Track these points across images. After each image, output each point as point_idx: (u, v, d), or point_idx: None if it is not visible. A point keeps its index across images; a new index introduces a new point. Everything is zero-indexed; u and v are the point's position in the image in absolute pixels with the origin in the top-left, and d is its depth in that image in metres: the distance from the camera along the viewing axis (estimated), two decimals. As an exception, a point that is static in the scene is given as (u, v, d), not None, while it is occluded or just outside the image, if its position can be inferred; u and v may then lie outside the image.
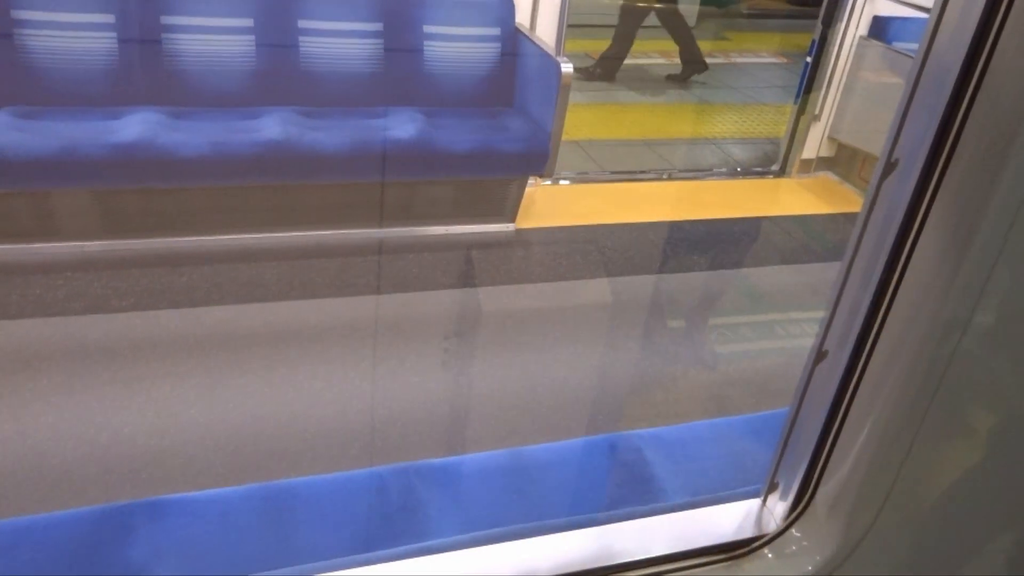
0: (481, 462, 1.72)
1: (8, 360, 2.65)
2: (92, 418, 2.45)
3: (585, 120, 5.24)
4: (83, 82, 3.31)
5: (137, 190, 3.21)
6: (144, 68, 3.37)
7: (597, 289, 3.49)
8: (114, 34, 3.30)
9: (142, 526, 1.53)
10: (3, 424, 2.39)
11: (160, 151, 3.08)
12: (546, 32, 3.86)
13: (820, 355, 0.96)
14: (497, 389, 2.78)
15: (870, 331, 0.90)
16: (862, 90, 4.42)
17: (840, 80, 4.47)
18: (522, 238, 3.71)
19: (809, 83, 4.52)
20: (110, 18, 3.29)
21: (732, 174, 4.69)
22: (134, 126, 3.15)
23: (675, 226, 4.04)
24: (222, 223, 3.35)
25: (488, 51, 3.77)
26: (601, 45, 6.25)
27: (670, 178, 4.53)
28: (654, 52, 6.98)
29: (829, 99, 4.51)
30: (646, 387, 2.90)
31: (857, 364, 0.91)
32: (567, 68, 3.33)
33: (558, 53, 3.54)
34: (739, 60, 7.28)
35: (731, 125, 5.60)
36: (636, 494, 1.68)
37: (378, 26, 3.61)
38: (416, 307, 3.22)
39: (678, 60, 6.44)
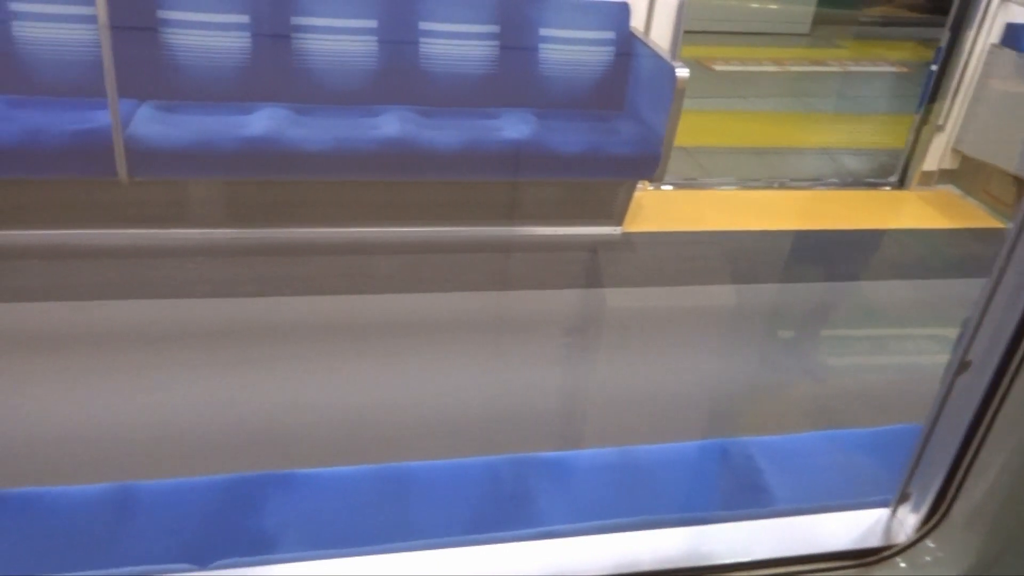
0: (592, 458, 1.75)
1: (143, 336, 2.84)
2: (218, 395, 2.61)
3: (694, 126, 5.19)
4: (217, 78, 3.50)
5: (263, 182, 3.37)
6: (273, 66, 3.54)
7: (705, 295, 3.46)
8: (248, 33, 3.48)
9: (270, 497, 1.62)
10: (139, 396, 2.56)
11: (286, 145, 3.23)
12: (661, 36, 3.86)
13: (963, 366, 0.94)
14: (606, 388, 2.80)
15: (1019, 344, 0.88)
16: (992, 100, 4.23)
17: (967, 90, 4.29)
18: (629, 241, 3.71)
19: (933, 92, 4.35)
20: (245, 18, 3.47)
21: (846, 184, 4.57)
22: (262, 121, 3.31)
23: (784, 235, 3.96)
24: (341, 216, 3.48)
25: (602, 54, 3.79)
26: (715, 52, 6.18)
27: (780, 187, 4.44)
28: (765, 59, 6.85)
29: (955, 109, 4.33)
30: (754, 395, 2.86)
31: (1003, 377, 0.90)
32: (682, 73, 3.32)
33: (674, 57, 3.53)
34: (855, 69, 7.07)
35: (844, 135, 5.44)
36: (745, 499, 1.68)
37: (495, 28, 3.68)
38: (525, 305, 3.27)
39: (791, 67, 6.29)
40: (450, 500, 1.64)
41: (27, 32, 3.30)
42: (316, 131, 3.30)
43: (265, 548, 1.50)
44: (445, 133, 3.42)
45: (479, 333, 3.02)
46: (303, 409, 2.56)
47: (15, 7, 3.26)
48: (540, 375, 2.83)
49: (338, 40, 3.58)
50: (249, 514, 1.57)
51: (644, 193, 4.06)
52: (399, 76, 3.64)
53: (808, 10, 7.80)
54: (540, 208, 3.66)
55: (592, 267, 3.55)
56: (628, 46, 3.79)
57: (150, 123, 3.24)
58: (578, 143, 3.49)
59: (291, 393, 2.64)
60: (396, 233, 3.54)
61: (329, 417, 2.55)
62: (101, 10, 2.97)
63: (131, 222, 3.33)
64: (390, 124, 3.40)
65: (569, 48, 3.78)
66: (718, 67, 6.43)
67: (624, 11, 3.78)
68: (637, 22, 3.83)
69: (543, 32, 3.74)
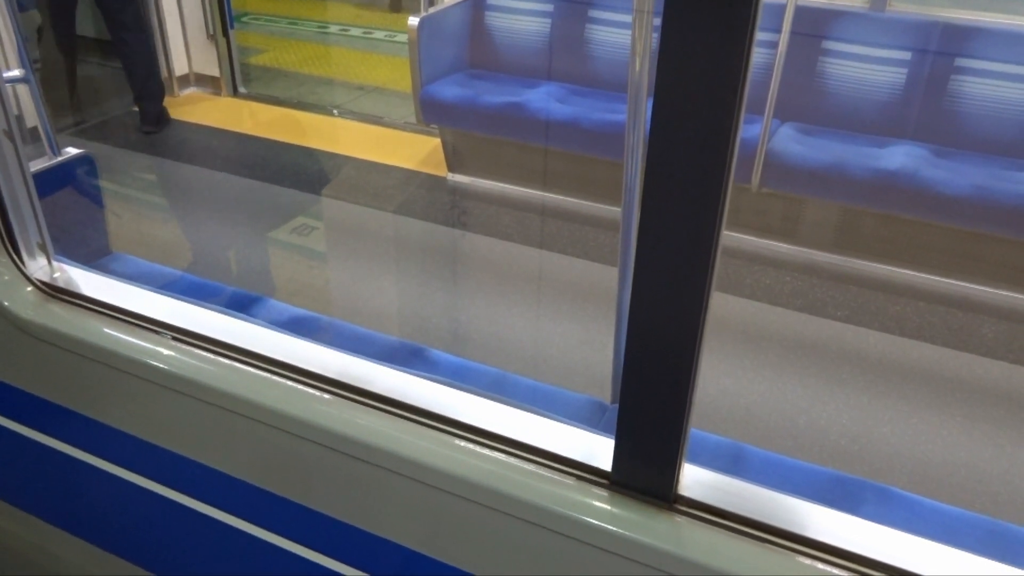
0: None
1: (738, 331, 3.11)
2: (795, 401, 2.74)
3: None
4: (859, 109, 3.60)
5: (881, 215, 3.37)
6: (921, 105, 3.50)
7: None
8: (905, 70, 3.50)
9: (864, 503, 1.68)
10: (720, 379, 2.83)
11: (918, 184, 3.18)
12: None
13: None
14: None
15: None
16: None
17: None
18: None
19: None
20: (906, 55, 3.49)
21: None
22: (898, 156, 3.31)
23: None
24: (954, 266, 3.31)
25: None
26: None
27: None
28: None
29: None
30: None
31: None
32: None
33: None
34: None
35: None
36: None
37: None
38: None
39: None
40: None
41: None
42: (955, 175, 3.19)
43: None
44: (1110, 202, 3.01)
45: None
46: (872, 442, 2.56)
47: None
48: None
49: (999, 86, 3.38)
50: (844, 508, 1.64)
51: None
52: (1063, 132, 3.30)
53: None
54: None
55: None
56: None
57: (789, 142, 3.48)
58: None
59: (863, 422, 2.64)
60: (1010, 298, 3.24)
61: (901, 459, 2.50)
62: (784, 35, 3.29)
63: (748, 228, 3.63)
64: (1042, 181, 3.12)
65: None
66: None
67: None
68: None
69: None
